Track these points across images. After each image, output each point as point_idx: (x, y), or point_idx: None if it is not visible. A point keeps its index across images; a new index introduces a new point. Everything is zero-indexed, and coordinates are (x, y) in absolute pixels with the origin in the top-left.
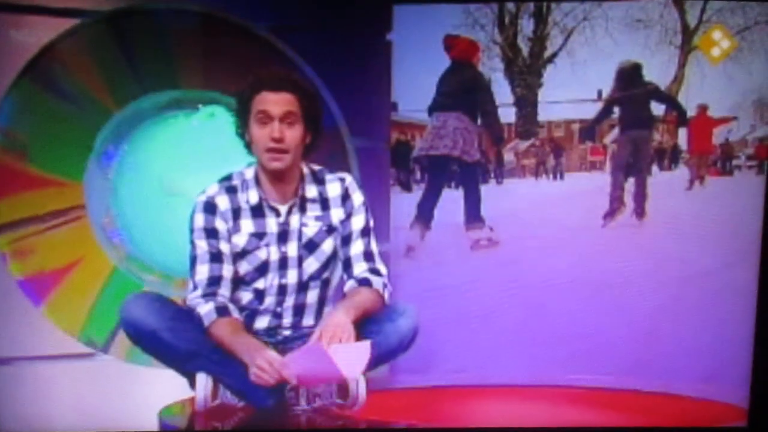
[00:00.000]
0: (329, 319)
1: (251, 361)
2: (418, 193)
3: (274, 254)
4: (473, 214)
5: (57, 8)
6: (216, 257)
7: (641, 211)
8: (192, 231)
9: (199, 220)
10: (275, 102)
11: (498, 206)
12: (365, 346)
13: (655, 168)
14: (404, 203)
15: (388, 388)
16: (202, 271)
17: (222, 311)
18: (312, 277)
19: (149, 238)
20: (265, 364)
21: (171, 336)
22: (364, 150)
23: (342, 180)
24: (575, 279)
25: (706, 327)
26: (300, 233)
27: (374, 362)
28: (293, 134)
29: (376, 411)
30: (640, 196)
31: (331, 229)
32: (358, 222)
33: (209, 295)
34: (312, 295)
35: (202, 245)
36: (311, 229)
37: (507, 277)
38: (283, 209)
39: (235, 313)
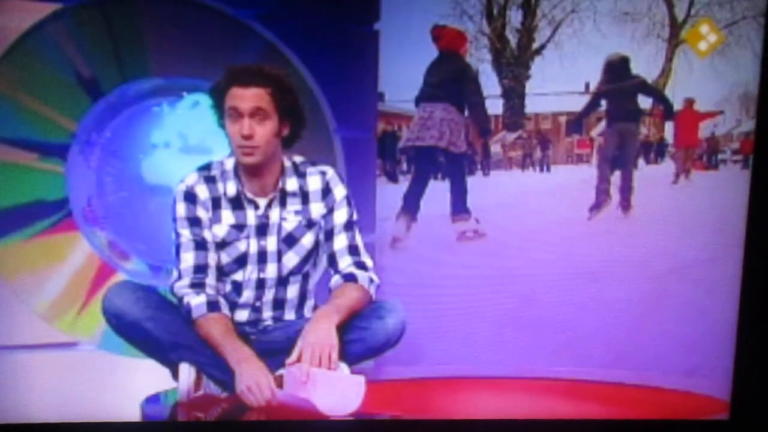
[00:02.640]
0: (311, 330)
1: (241, 374)
2: (404, 184)
3: (253, 247)
4: (459, 206)
5: None
6: (200, 245)
7: (627, 204)
8: (175, 221)
9: (181, 209)
10: (244, 98)
11: (484, 198)
12: (359, 381)
13: (641, 161)
14: (390, 194)
15: (372, 380)
16: (188, 259)
17: (213, 306)
18: (292, 272)
19: (131, 228)
20: (254, 386)
21: (153, 326)
22: (350, 140)
23: (323, 173)
24: (561, 271)
25: (689, 320)
26: (279, 227)
27: (361, 358)
28: (264, 130)
29: (361, 403)
30: (626, 189)
31: (311, 224)
32: (340, 216)
33: (197, 285)
34: (292, 290)
35: (186, 234)
36: (290, 223)
37: (493, 268)
38: (262, 202)
39: (225, 309)
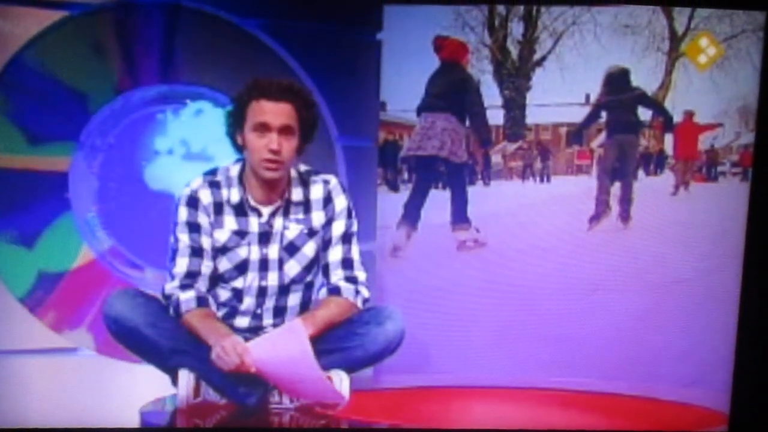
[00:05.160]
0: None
1: (215, 344)
2: (405, 193)
3: (254, 254)
4: (460, 215)
5: (45, 0)
6: (196, 252)
7: (626, 215)
8: (175, 224)
9: (183, 213)
10: (274, 113)
11: (485, 208)
12: (291, 327)
13: (641, 173)
14: (391, 203)
15: (371, 389)
16: (181, 264)
17: (202, 301)
18: (294, 281)
19: (133, 234)
20: (228, 346)
21: (153, 332)
22: (352, 149)
23: (326, 182)
24: (560, 282)
25: (688, 331)
26: (282, 235)
27: (361, 365)
28: (290, 146)
29: (359, 411)
30: (626, 201)
31: (312, 233)
32: (338, 227)
33: (186, 287)
34: (294, 298)
35: (184, 239)
36: (292, 231)
37: (492, 278)
38: (265, 211)
39: (213, 307)
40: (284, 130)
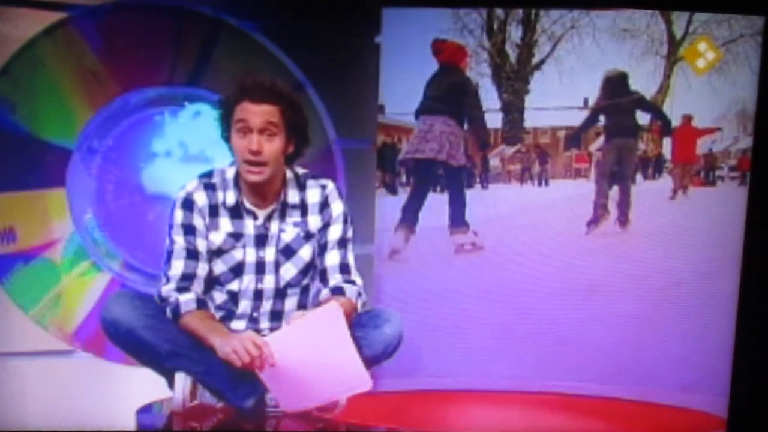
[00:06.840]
0: (296, 317)
1: (222, 342)
2: (403, 196)
3: (250, 256)
4: (458, 219)
5: (44, 1)
6: (192, 254)
7: (625, 219)
8: (171, 226)
9: (178, 216)
10: (255, 113)
11: (483, 211)
12: (328, 309)
13: (639, 177)
14: (389, 206)
15: (368, 392)
16: (177, 266)
17: (202, 303)
18: (290, 284)
19: (131, 236)
20: (246, 339)
21: (150, 335)
22: (351, 152)
23: (323, 187)
24: (558, 285)
25: (686, 336)
26: (278, 238)
27: None
28: (272, 147)
29: (357, 415)
30: (624, 205)
31: (308, 236)
32: (335, 232)
33: (183, 289)
34: (290, 302)
35: (180, 241)
36: (289, 234)
37: (490, 281)
38: (261, 213)
39: (212, 310)
40: (266, 130)
